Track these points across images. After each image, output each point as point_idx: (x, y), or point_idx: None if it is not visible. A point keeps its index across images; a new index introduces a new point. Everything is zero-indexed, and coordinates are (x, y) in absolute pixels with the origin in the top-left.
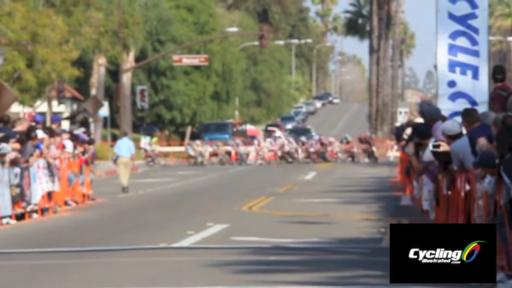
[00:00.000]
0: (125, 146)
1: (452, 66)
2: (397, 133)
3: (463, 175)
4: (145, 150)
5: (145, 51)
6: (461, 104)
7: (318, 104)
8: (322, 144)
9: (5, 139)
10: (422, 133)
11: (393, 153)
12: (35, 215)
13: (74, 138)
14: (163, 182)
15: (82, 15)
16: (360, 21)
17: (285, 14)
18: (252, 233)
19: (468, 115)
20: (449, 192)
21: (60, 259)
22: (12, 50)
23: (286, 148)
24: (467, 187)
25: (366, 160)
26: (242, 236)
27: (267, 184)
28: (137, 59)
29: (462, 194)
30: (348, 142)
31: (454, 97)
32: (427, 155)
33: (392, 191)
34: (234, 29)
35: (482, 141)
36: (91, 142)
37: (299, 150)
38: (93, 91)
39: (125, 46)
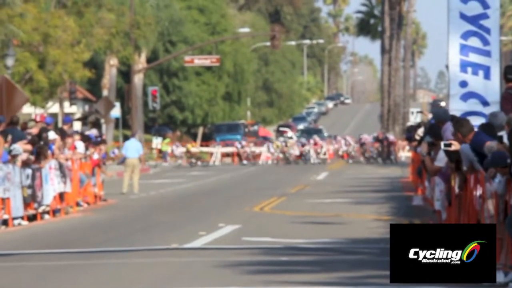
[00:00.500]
0: (133, 147)
1: (463, 66)
2: (409, 133)
3: (475, 175)
4: (160, 151)
5: (156, 52)
6: (473, 104)
7: (330, 104)
8: (362, 144)
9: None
10: (435, 133)
11: (405, 154)
12: (47, 216)
13: (85, 139)
14: (175, 183)
15: (94, 16)
16: (371, 21)
17: (297, 15)
18: (263, 233)
19: (462, 126)
20: (461, 192)
21: (72, 260)
22: (24, 51)
23: (344, 148)
24: (479, 188)
25: (380, 160)
26: (253, 236)
27: (279, 185)
28: (148, 60)
29: (474, 194)
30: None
31: (465, 97)
32: (441, 156)
33: (404, 191)
34: (246, 29)
35: (490, 143)
36: (102, 142)
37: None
38: (104, 92)
39: (137, 47)
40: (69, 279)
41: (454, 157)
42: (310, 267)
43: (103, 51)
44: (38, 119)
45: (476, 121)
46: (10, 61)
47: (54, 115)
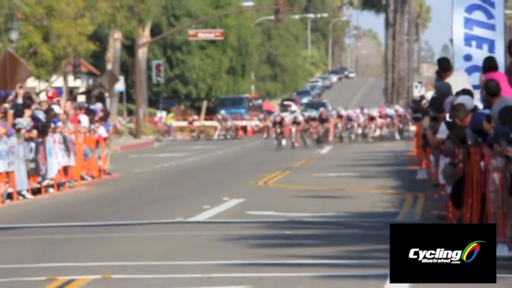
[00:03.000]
0: None
1: (468, 40)
2: (414, 106)
3: (480, 149)
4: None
5: (160, 26)
6: (477, 78)
7: (334, 78)
8: (371, 118)
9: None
10: (438, 106)
11: (409, 127)
12: (51, 190)
13: (89, 112)
14: (179, 156)
15: None
16: None
17: None
18: (267, 207)
19: (457, 111)
20: (465, 165)
21: (76, 233)
22: (28, 24)
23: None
24: (482, 163)
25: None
26: (257, 210)
27: (283, 159)
28: (152, 34)
29: (479, 166)
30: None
31: (470, 71)
32: (442, 128)
33: (408, 165)
34: (249, 3)
35: (485, 125)
36: (106, 115)
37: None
38: (108, 66)
39: (141, 21)
40: (74, 253)
41: (457, 132)
42: (314, 241)
43: (107, 25)
44: (50, 94)
45: (480, 95)
46: (14, 35)
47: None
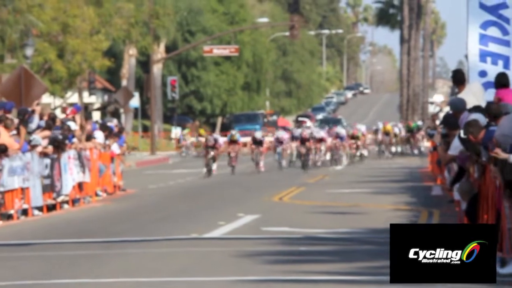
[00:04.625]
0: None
1: (483, 56)
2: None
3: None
4: (178, 141)
5: (175, 42)
6: (492, 94)
7: (349, 94)
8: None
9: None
10: (451, 123)
11: (424, 144)
12: (66, 206)
13: (104, 129)
14: (194, 173)
15: (113, 5)
16: (391, 11)
17: (316, 5)
18: (282, 223)
19: (470, 126)
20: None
21: (92, 249)
22: (43, 41)
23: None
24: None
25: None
26: (272, 226)
27: (298, 175)
28: (167, 50)
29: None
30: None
31: (485, 87)
32: (455, 145)
33: (423, 181)
34: (264, 19)
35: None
36: (121, 131)
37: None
38: (123, 82)
39: (156, 37)
40: (90, 269)
41: (472, 149)
42: (329, 257)
43: (122, 41)
44: (68, 112)
45: None
46: (29, 51)
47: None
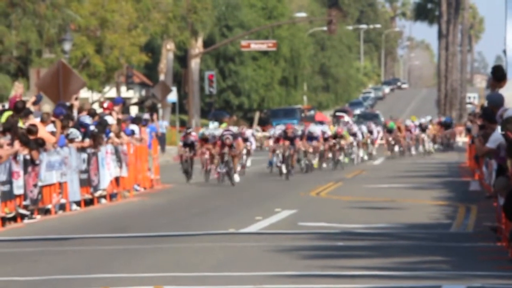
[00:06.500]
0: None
1: None
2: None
3: None
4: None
5: (213, 37)
6: None
7: (387, 89)
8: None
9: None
10: (490, 117)
11: (462, 139)
12: (103, 201)
13: (138, 121)
14: None
15: (151, 0)
16: (429, 6)
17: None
18: (319, 218)
19: (510, 123)
20: None
21: (130, 244)
22: (81, 35)
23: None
24: None
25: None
26: (309, 221)
27: (336, 170)
28: (205, 45)
29: None
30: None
31: None
32: (494, 138)
33: (461, 176)
34: (302, 14)
35: None
36: (148, 120)
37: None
38: (161, 77)
39: (194, 32)
40: (126, 263)
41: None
42: (367, 252)
43: (160, 36)
44: (106, 105)
45: None
46: (67, 46)
47: (110, 100)
